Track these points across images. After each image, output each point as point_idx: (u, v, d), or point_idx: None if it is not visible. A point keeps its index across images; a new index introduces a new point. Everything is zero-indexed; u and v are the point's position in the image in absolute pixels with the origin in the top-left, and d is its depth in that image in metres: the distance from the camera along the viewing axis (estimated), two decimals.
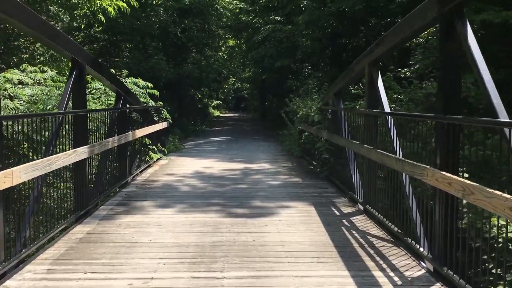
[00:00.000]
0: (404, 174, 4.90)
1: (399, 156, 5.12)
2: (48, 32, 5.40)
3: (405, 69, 12.65)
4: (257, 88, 41.19)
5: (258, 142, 18.41)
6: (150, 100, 11.14)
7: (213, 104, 45.51)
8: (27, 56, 11.41)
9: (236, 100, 63.31)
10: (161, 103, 12.73)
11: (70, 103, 6.03)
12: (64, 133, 6.02)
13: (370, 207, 6.11)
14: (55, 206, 5.50)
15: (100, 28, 20.83)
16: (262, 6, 24.55)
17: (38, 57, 11.65)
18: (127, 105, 9.35)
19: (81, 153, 5.79)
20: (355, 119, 7.41)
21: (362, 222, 5.92)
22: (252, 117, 44.34)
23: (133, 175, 9.27)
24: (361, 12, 15.27)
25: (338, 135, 8.07)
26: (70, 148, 5.80)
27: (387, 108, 5.87)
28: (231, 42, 39.05)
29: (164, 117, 12.59)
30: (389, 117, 5.55)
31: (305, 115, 10.56)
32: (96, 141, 6.83)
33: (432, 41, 11.34)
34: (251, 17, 27.42)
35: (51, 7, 12.78)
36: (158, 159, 11.38)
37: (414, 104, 8.92)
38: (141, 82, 11.10)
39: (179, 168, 10.70)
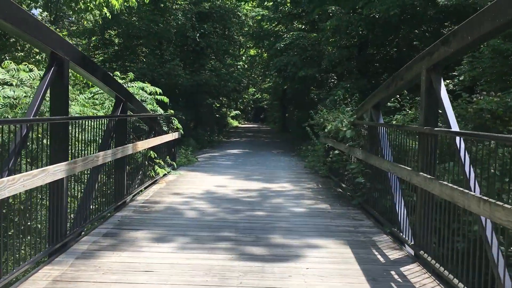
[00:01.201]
0: (489, 221, 3.48)
1: (478, 193, 3.69)
2: (15, 17, 4.14)
3: (448, 81, 11.20)
4: (277, 99, 39.92)
5: (278, 156, 17.01)
6: (159, 107, 9.85)
7: (231, 114, 44.38)
8: (22, 54, 10.29)
9: (255, 111, 62.16)
10: (172, 111, 11.48)
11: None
12: (37, 145, 4.77)
13: (426, 255, 4.66)
14: (15, 241, 4.20)
15: (115, 31, 19.85)
16: (286, 13, 23.31)
17: (35, 54, 10.52)
18: (130, 113, 8.10)
19: (54, 172, 4.48)
20: (402, 138, 5.97)
21: (417, 276, 4.46)
22: (272, 128, 43.01)
23: (133, 194, 7.98)
24: (396, 18, 13.83)
25: (378, 156, 6.65)
26: (46, 165, 4.52)
27: (455, 126, 4.44)
28: (252, 52, 37.98)
29: (175, 127, 11.32)
30: (460, 138, 4.13)
31: (333, 129, 9.15)
32: (83, 156, 5.54)
33: (484, 49, 9.88)
34: (273, 25, 26.21)
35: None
36: (165, 175, 10.07)
37: (464, 122, 7.48)
38: (149, 87, 9.85)
39: (188, 186, 9.37)
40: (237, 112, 49.17)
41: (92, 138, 6.26)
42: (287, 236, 5.73)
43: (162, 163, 9.71)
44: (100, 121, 6.50)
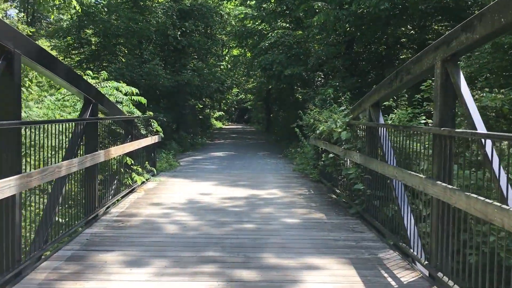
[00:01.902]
0: None
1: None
2: None
3: None
4: (261, 99, 39.23)
5: (264, 159, 16.27)
6: (135, 109, 9.02)
7: (215, 115, 43.57)
8: None
9: (239, 112, 61.39)
10: (151, 113, 10.67)
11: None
12: None
13: (446, 279, 3.96)
14: None
15: (92, 30, 18.92)
16: (270, 11, 22.58)
17: None
18: (102, 115, 7.29)
19: (0, 189, 3.68)
20: (409, 140, 5.28)
21: None
22: (256, 129, 42.31)
23: (107, 206, 7.16)
24: (386, 12, 13.20)
25: (379, 160, 5.96)
26: None
27: (481, 127, 3.76)
28: (235, 52, 37.17)
29: (155, 130, 10.50)
30: (487, 141, 3.46)
31: (326, 131, 8.44)
32: (42, 166, 4.73)
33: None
34: (257, 23, 25.48)
35: None
36: (144, 182, 9.25)
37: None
38: (125, 87, 9.02)
39: (169, 194, 8.58)
40: (221, 113, 48.37)
41: (59, 145, 5.46)
42: (282, 255, 4.99)
43: (140, 170, 8.90)
44: (65, 126, 5.68)
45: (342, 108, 7.85)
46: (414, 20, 14.80)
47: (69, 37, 19.60)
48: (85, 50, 20.22)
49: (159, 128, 10.61)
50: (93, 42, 20.01)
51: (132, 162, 8.27)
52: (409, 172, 4.79)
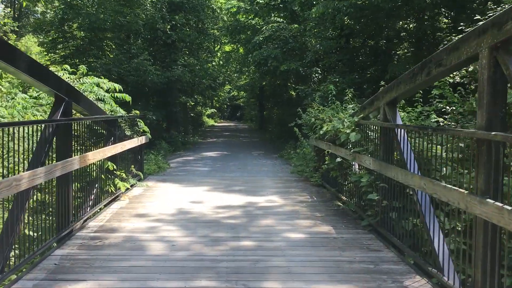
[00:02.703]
0: None
1: None
2: None
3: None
4: (254, 96, 38.35)
5: (259, 159, 15.42)
6: (119, 108, 8.11)
7: (207, 112, 42.65)
8: None
9: (231, 109, 60.45)
10: (137, 111, 9.76)
11: None
12: None
13: None
14: None
15: (76, 23, 17.93)
16: (263, 5, 21.67)
17: None
18: (80, 115, 6.40)
19: None
20: (429, 143, 4.45)
21: None
22: (249, 127, 41.43)
23: (85, 218, 6.27)
24: (389, 3, 12.38)
25: (398, 166, 5.14)
26: None
27: None
28: (227, 48, 36.22)
29: (142, 130, 9.60)
30: None
31: (332, 131, 7.60)
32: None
33: None
34: (250, 17, 24.59)
35: None
36: (128, 189, 8.36)
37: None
38: (106, 84, 8.10)
39: (156, 202, 7.70)
40: (213, 110, 47.42)
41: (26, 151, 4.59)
42: (288, 283, 4.15)
43: (124, 175, 8.01)
44: (34, 128, 4.78)
45: (351, 106, 7.00)
46: (416, 12, 13.99)
47: (52, 31, 18.55)
48: (69, 45, 19.19)
49: (146, 128, 9.72)
50: (78, 37, 19.00)
51: (115, 167, 7.37)
52: (444, 184, 3.95)
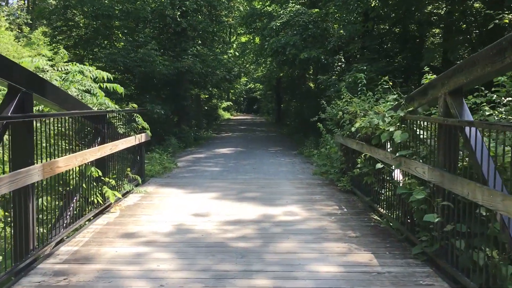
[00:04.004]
0: None
1: None
2: None
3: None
4: (271, 88, 36.86)
5: (276, 157, 13.97)
6: (107, 100, 6.71)
7: (223, 105, 41.34)
8: None
9: (248, 102, 59.06)
10: (135, 105, 8.40)
11: None
12: None
13: None
14: None
15: (80, 11, 16.65)
16: None
17: None
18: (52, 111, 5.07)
19: None
20: None
21: None
22: (266, 120, 40.02)
23: (56, 241, 4.95)
24: None
25: (468, 178, 3.68)
26: None
27: None
28: (243, 39, 34.74)
29: (140, 126, 8.26)
30: None
31: (367, 128, 6.11)
32: None
33: None
34: (267, 4, 23.10)
35: None
36: (119, 199, 7.01)
37: None
38: (93, 71, 6.72)
39: (152, 216, 6.33)
40: (229, 103, 46.12)
41: None
42: None
43: (113, 182, 6.67)
44: None
45: (393, 96, 5.47)
46: None
47: (54, 17, 17.26)
48: (74, 35, 17.94)
49: (146, 125, 8.35)
50: (82, 25, 17.73)
51: (100, 173, 6.02)
52: None
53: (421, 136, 4.95)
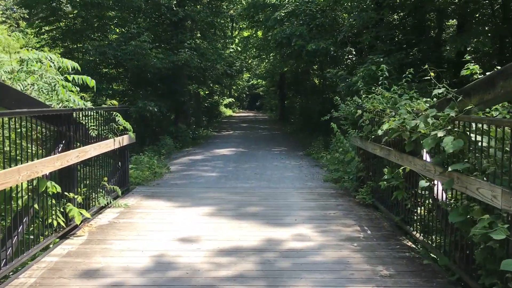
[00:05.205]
0: None
1: None
2: None
3: None
4: (274, 84, 35.51)
5: (281, 159, 12.65)
6: (73, 96, 5.38)
7: (224, 102, 40.01)
8: None
9: (250, 98, 57.73)
10: (114, 102, 7.10)
11: None
12: None
13: None
14: None
15: None
16: None
17: None
18: None
19: None
20: None
21: None
22: (269, 117, 38.71)
23: None
24: None
25: None
26: None
27: None
28: (245, 33, 33.41)
29: (121, 127, 6.95)
30: None
31: (400, 130, 4.77)
32: None
33: None
34: None
35: None
36: (86, 220, 5.70)
37: None
38: (55, 60, 5.38)
39: (126, 242, 5.02)
40: (231, 100, 44.74)
41: None
42: None
43: (80, 198, 5.36)
44: None
45: (439, 91, 4.14)
46: None
47: (40, 6, 15.92)
48: (61, 25, 16.60)
49: (128, 125, 7.04)
50: (71, 15, 16.37)
51: (58, 189, 4.71)
52: None
53: (484, 145, 3.61)
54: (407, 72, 7.17)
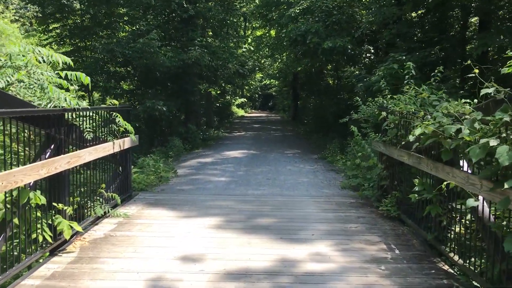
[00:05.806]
0: None
1: None
2: None
3: None
4: (287, 84, 34.82)
5: (295, 163, 11.98)
6: (64, 95, 4.79)
7: (236, 102, 39.41)
8: None
9: (263, 98, 57.03)
10: (115, 101, 6.52)
11: None
12: None
13: None
14: None
15: None
16: None
17: None
18: None
19: None
20: None
21: None
22: (282, 118, 37.99)
23: None
24: None
25: None
26: None
27: None
28: (258, 33, 32.82)
29: (122, 129, 6.37)
30: None
31: (437, 136, 4.10)
32: None
33: None
34: None
35: None
36: (75, 234, 5.10)
37: None
38: (44, 54, 4.80)
39: (120, 261, 4.42)
40: (243, 100, 44.11)
41: None
42: None
43: (70, 209, 4.77)
44: None
45: (489, 90, 3.47)
46: None
47: (47, 3, 15.46)
48: (69, 22, 16.14)
49: (130, 127, 6.45)
50: (78, 12, 15.90)
51: (42, 200, 4.13)
52: None
53: None
54: (436, 71, 6.51)
